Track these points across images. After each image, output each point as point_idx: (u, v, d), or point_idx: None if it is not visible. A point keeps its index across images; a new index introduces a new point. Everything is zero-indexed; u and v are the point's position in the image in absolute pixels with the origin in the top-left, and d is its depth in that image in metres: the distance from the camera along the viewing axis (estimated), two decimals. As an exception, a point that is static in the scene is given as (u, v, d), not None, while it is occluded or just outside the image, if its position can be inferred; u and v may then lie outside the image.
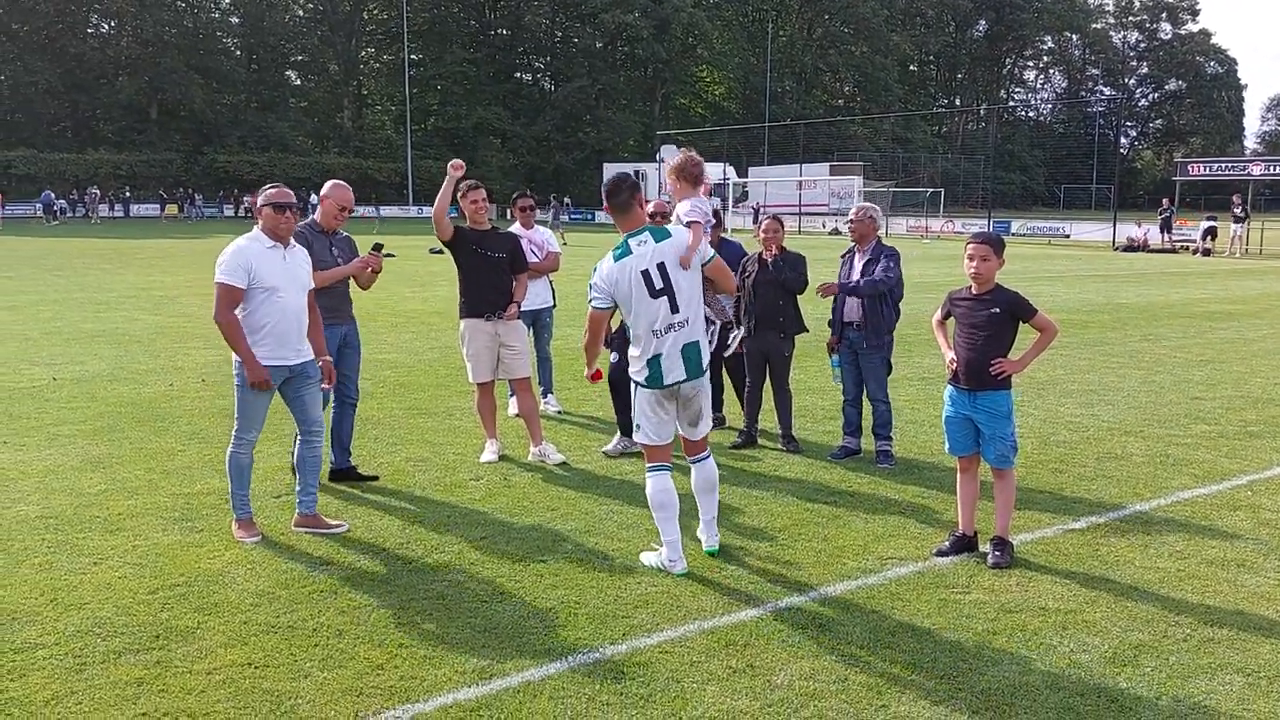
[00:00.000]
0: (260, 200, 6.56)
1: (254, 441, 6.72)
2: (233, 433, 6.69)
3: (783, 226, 9.26)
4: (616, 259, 6.06)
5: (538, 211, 10.71)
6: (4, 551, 6.36)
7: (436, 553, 6.44)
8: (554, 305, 10.97)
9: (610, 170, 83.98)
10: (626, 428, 8.84)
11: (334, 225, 7.81)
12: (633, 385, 6.30)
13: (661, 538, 6.22)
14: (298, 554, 6.37)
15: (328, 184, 7.85)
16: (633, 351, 6.21)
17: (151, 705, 4.51)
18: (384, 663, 4.94)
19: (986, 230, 6.77)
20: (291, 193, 6.70)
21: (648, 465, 6.31)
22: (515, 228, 10.31)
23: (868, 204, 9.00)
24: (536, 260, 9.91)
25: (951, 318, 6.63)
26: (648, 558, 6.31)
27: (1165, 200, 47.99)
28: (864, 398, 8.89)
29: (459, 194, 8.57)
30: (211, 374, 12.45)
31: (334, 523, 6.86)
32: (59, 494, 7.54)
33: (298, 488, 6.90)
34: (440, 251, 8.95)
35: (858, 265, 8.67)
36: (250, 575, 6.02)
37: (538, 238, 10.30)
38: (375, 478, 8.06)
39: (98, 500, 7.40)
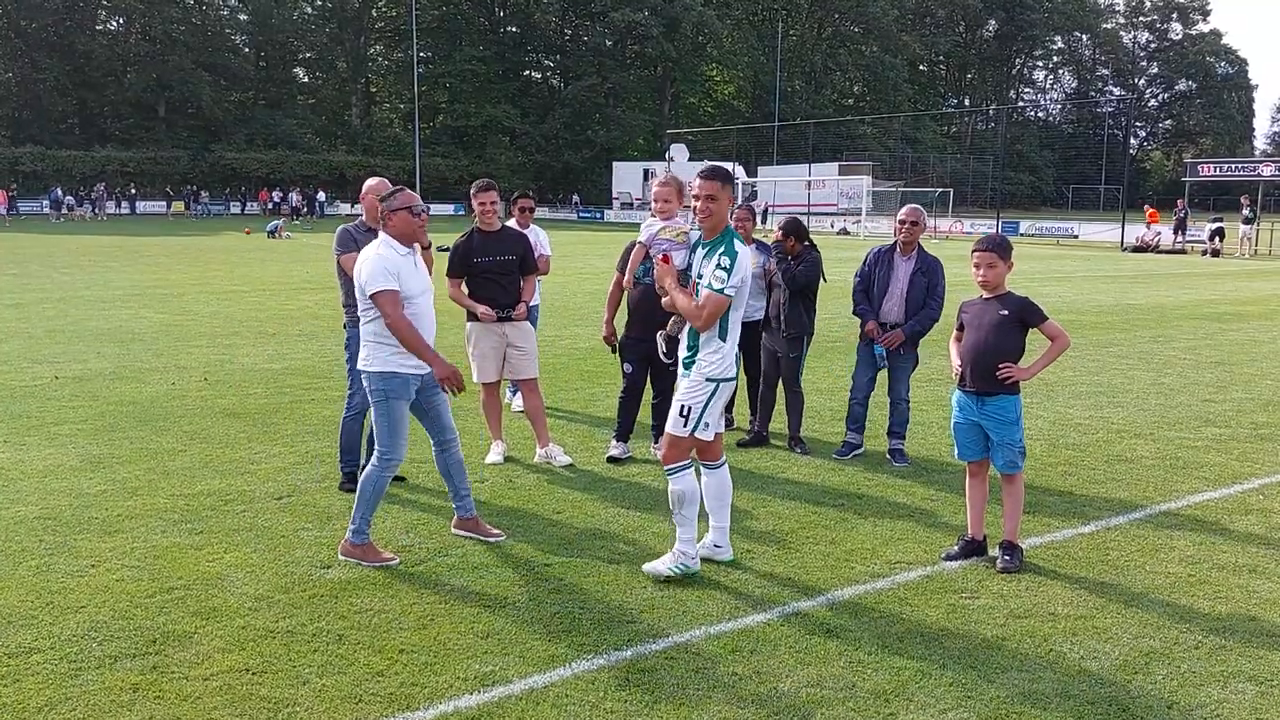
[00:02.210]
0: (392, 204, 6.29)
1: (401, 460, 6.47)
2: (378, 454, 6.33)
3: (792, 234, 9.12)
4: (741, 251, 5.89)
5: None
6: (1, 553, 6.30)
7: (439, 556, 6.37)
8: (538, 303, 10.93)
9: (622, 169, 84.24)
10: (625, 433, 8.81)
11: (375, 219, 7.71)
12: (714, 386, 5.97)
13: (682, 536, 6.07)
14: (298, 558, 6.31)
15: (369, 180, 7.87)
16: (723, 347, 5.94)
17: (147, 712, 4.45)
18: (384, 669, 4.87)
19: (991, 235, 6.68)
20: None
21: (708, 462, 6.26)
22: (511, 224, 10.29)
23: (916, 205, 8.80)
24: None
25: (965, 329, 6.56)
26: (659, 567, 6.10)
27: (1180, 201, 47.88)
28: (871, 398, 8.87)
29: (470, 192, 8.59)
30: (214, 373, 12.40)
31: (494, 531, 6.76)
32: (58, 494, 7.48)
33: (451, 494, 6.79)
34: (449, 249, 8.87)
35: (903, 274, 8.57)
36: (249, 579, 5.95)
37: (531, 239, 10.28)
38: (402, 479, 8.01)
39: (97, 501, 7.34)
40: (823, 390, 11.45)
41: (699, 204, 5.91)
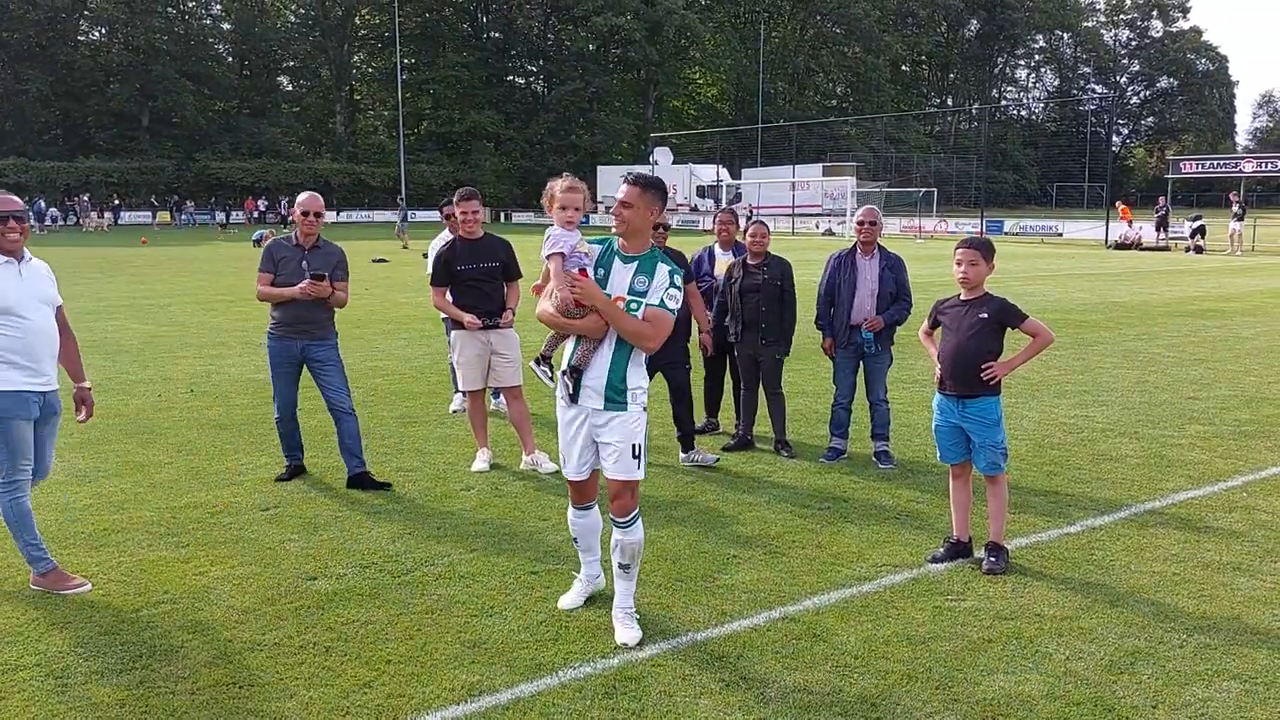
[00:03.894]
0: None
1: (29, 479, 5.91)
2: (1, 479, 5.82)
3: (768, 232, 9.25)
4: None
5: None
6: (-13, 569, 6.28)
7: (426, 565, 6.37)
8: None
9: (606, 173, 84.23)
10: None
11: (304, 233, 8.00)
12: (643, 412, 5.43)
13: (631, 591, 5.55)
14: (284, 570, 6.30)
15: (300, 195, 8.08)
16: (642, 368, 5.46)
17: (134, 727, 4.44)
18: (371, 680, 4.87)
19: (976, 235, 6.74)
20: (15, 199, 5.93)
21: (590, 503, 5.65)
22: (443, 234, 10.82)
23: (872, 205, 9.03)
24: None
25: (939, 327, 6.61)
26: (633, 636, 5.40)
27: (1161, 198, 48.05)
28: (853, 402, 8.93)
29: (452, 201, 8.68)
30: (200, 384, 12.36)
31: (77, 581, 5.99)
32: (44, 509, 7.42)
33: (21, 545, 5.95)
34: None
35: (871, 274, 8.69)
36: (236, 592, 5.94)
37: None
38: (388, 485, 8.05)
39: (83, 515, 7.32)
40: (808, 393, 11.46)
41: (625, 212, 5.24)
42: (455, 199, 8.60)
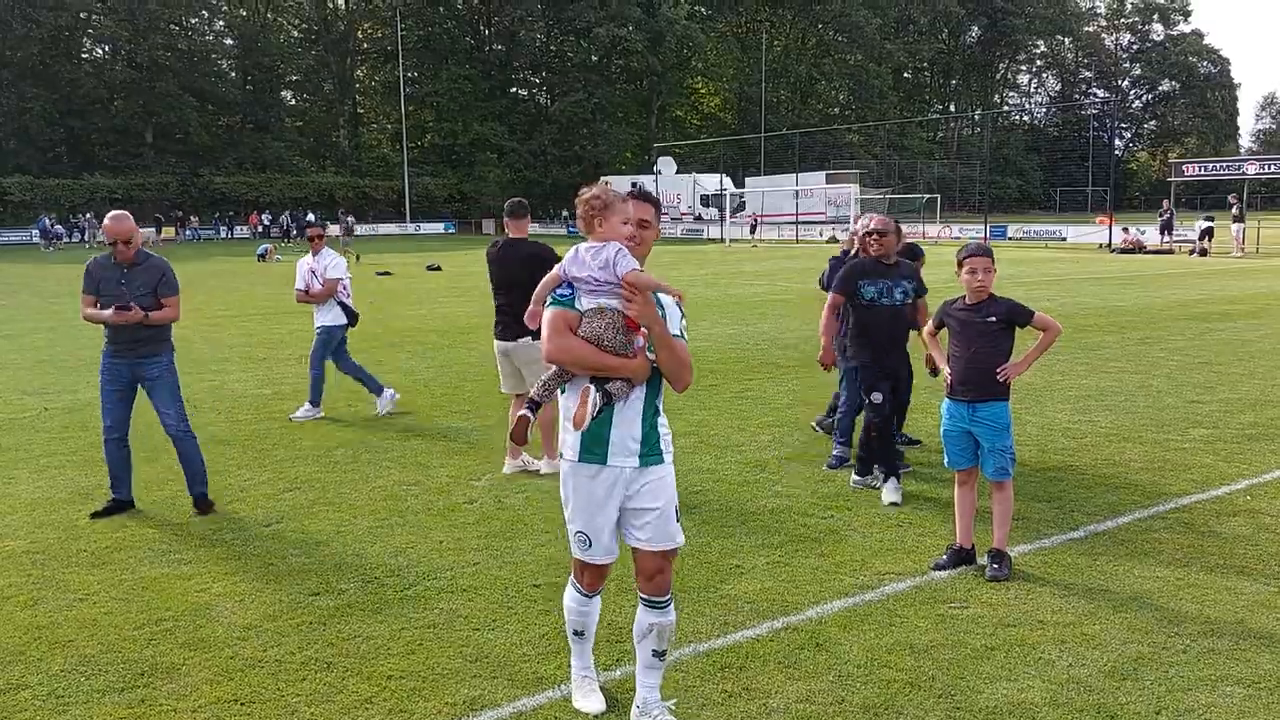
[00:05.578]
0: None
1: None
2: None
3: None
4: None
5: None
6: (-10, 588, 6.28)
7: (428, 580, 6.36)
8: (346, 324, 11.47)
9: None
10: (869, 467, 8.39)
11: (119, 257, 7.71)
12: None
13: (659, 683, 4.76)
14: (286, 586, 6.29)
15: (113, 213, 7.86)
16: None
17: (135, 745, 4.44)
18: (372, 696, 4.86)
19: (978, 242, 6.74)
20: None
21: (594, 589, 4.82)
22: (307, 255, 11.50)
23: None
24: (317, 287, 11.34)
25: (943, 329, 6.61)
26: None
27: (1165, 202, 48.01)
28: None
29: (508, 216, 8.83)
30: (203, 400, 12.36)
31: None
32: (46, 527, 7.47)
33: None
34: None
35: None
36: (238, 608, 5.94)
37: (319, 264, 11.37)
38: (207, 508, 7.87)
39: (85, 533, 7.33)
40: (810, 403, 11.44)
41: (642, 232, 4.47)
42: (511, 209, 8.84)
